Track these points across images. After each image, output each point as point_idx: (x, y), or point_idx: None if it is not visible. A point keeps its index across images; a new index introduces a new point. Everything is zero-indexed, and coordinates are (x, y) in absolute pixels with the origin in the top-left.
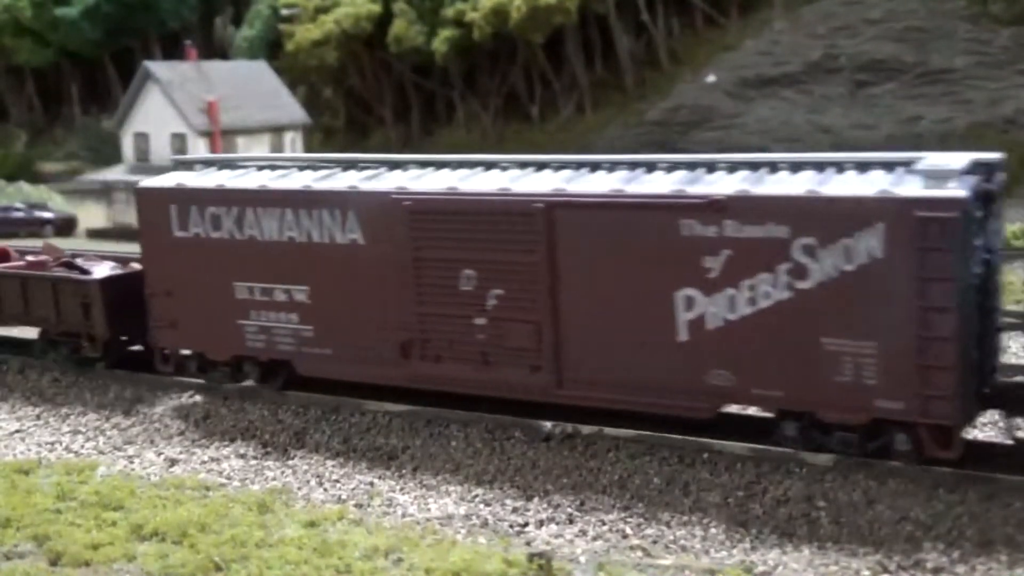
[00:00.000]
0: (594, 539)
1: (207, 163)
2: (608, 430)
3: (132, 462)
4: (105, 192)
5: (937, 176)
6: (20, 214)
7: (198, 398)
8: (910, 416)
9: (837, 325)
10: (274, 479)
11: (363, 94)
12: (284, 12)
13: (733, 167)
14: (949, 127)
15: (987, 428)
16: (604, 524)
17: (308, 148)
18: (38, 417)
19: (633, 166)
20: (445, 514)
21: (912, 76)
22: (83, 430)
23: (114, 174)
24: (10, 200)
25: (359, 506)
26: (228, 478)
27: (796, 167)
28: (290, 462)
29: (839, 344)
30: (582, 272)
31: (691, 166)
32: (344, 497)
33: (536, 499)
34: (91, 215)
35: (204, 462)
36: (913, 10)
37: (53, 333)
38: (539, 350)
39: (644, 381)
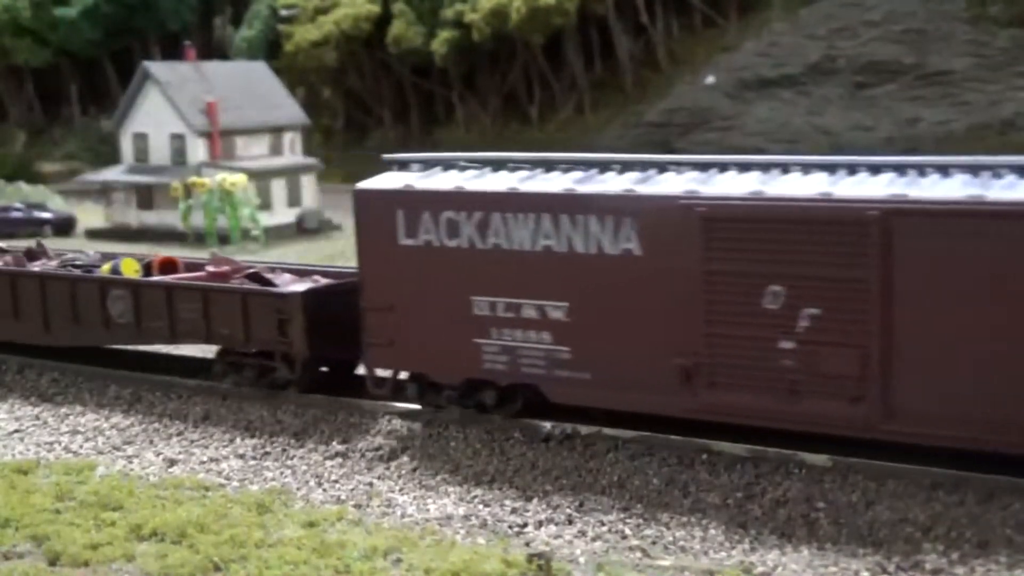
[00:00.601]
0: (593, 540)
1: (425, 163)
2: (607, 430)
3: (131, 462)
4: (104, 192)
5: None
6: (19, 214)
7: (197, 399)
8: None
9: None
10: (273, 479)
11: (362, 95)
12: (283, 13)
13: None
14: (948, 129)
15: None
16: (603, 525)
17: (307, 149)
18: (37, 417)
19: (976, 170)
20: (444, 514)
21: (911, 78)
22: (82, 430)
23: (113, 174)
24: (9, 200)
25: (358, 506)
26: (227, 478)
27: None
28: (289, 462)
29: None
30: (929, 289)
31: None
32: (343, 497)
33: (535, 500)
34: (90, 215)
35: (203, 462)
36: (912, 12)
37: (238, 352)
38: (863, 378)
39: (1013, 417)
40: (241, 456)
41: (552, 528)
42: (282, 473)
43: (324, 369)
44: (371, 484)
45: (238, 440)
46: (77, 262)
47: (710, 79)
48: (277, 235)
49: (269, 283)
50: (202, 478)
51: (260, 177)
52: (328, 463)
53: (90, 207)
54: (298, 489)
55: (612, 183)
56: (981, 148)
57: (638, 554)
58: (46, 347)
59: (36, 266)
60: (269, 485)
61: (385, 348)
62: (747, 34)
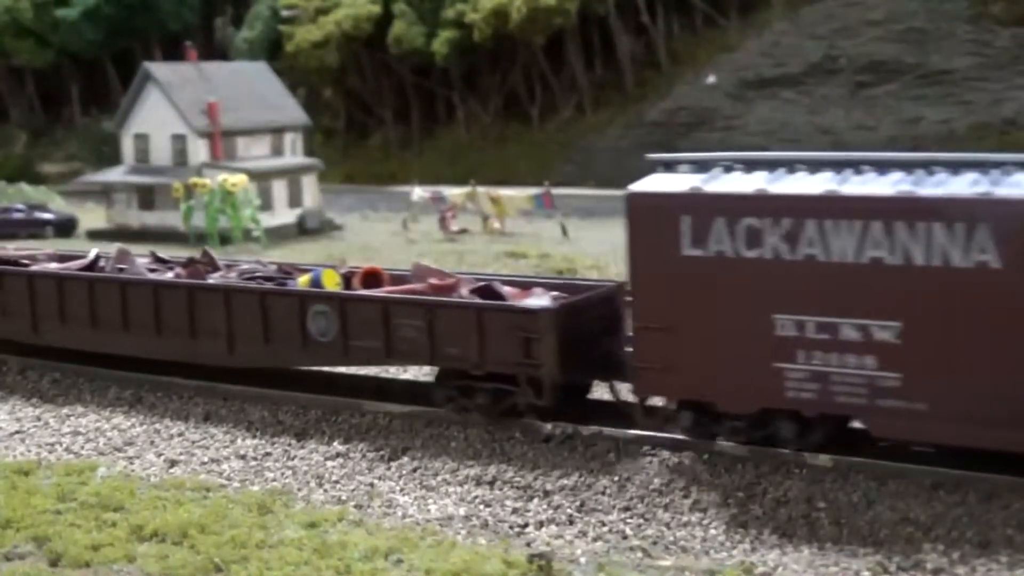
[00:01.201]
0: (594, 540)
1: (696, 163)
2: (608, 431)
3: (132, 463)
4: (105, 193)
5: None
6: (20, 215)
7: (198, 399)
8: None
9: None
10: (274, 480)
11: (363, 95)
12: (284, 13)
13: None
14: (949, 128)
15: None
16: (604, 525)
17: (308, 149)
18: (38, 418)
19: None
20: (445, 515)
21: (912, 77)
22: (83, 431)
23: (114, 175)
24: (10, 201)
25: (359, 507)
26: (228, 479)
27: None
28: (290, 463)
29: None
30: None
31: None
32: (344, 498)
33: (536, 500)
34: (91, 216)
35: (204, 463)
36: (914, 11)
37: (466, 375)
38: None
39: None
40: (242, 457)
41: (553, 528)
42: (283, 474)
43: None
44: (372, 485)
45: (239, 441)
46: (257, 273)
47: (711, 79)
48: (278, 236)
49: (501, 297)
50: (203, 479)
51: (261, 178)
52: (329, 464)
53: (91, 208)
54: (299, 490)
55: (956, 185)
56: (984, 147)
57: (639, 554)
58: (225, 368)
59: (215, 278)
60: (270, 486)
61: (660, 373)
62: (748, 34)
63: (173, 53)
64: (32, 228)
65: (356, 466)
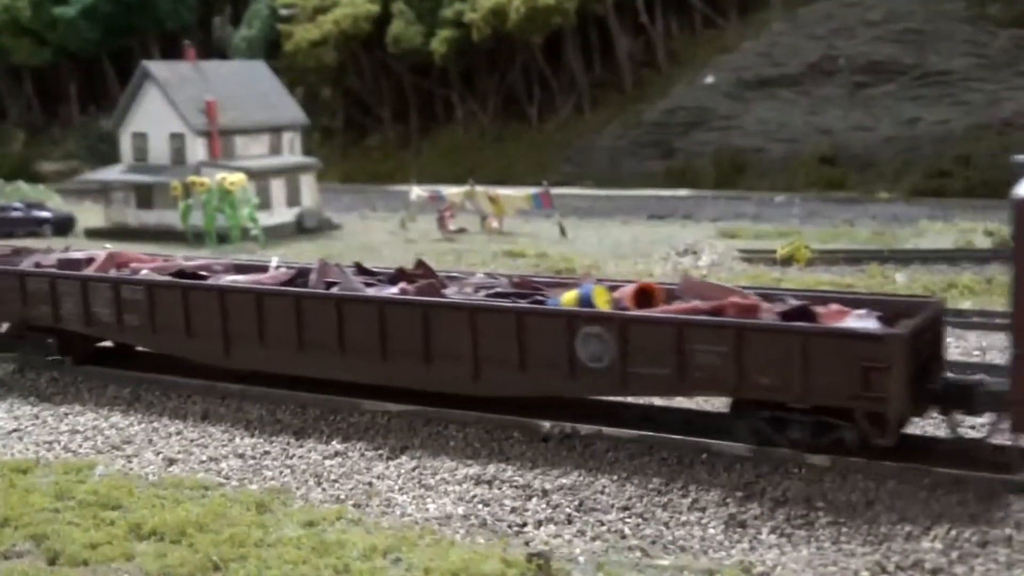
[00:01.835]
0: (593, 539)
1: None
2: (607, 430)
3: (130, 461)
4: (103, 192)
5: None
6: (18, 214)
7: (196, 398)
8: None
9: None
10: (272, 479)
11: (361, 94)
12: (283, 12)
13: None
14: (947, 128)
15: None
16: (603, 524)
17: (306, 149)
18: (36, 416)
19: None
20: (444, 514)
21: (910, 78)
22: (81, 429)
23: (112, 174)
24: (8, 200)
25: (357, 506)
26: (226, 478)
27: None
28: (289, 462)
29: None
30: None
31: None
32: (343, 497)
33: (535, 499)
34: (89, 215)
35: (203, 462)
36: (912, 12)
37: (778, 406)
38: None
39: None
40: (240, 455)
41: (551, 527)
42: (282, 472)
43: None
44: (370, 483)
45: (237, 439)
46: (496, 288)
47: (709, 79)
48: (276, 234)
49: (816, 318)
50: (201, 477)
51: (259, 176)
52: (328, 462)
53: (89, 206)
54: (297, 488)
55: None
56: (980, 148)
57: (637, 553)
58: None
59: (453, 294)
60: (268, 484)
61: None
62: (746, 34)
63: (171, 52)
64: (30, 227)
65: (355, 465)
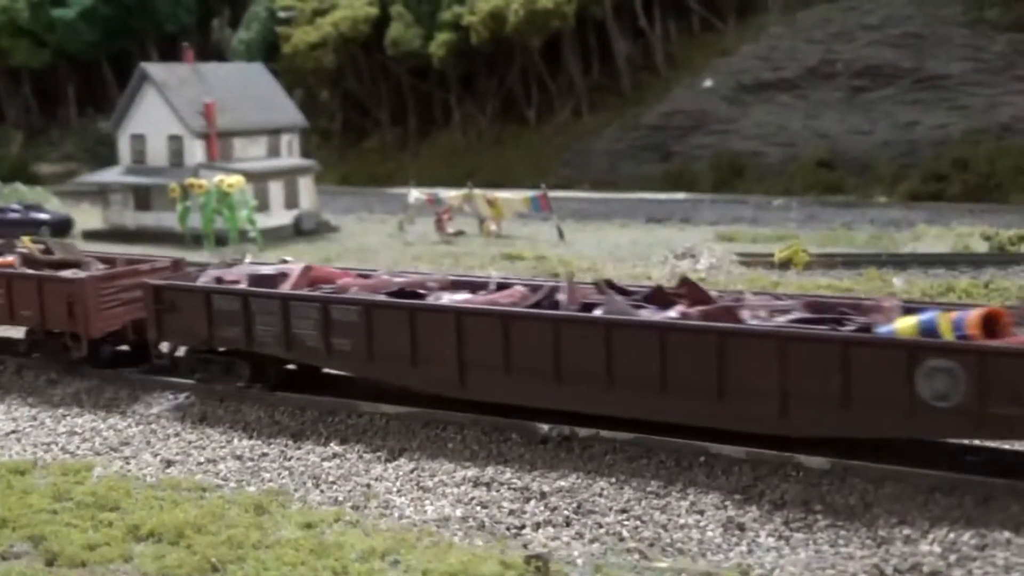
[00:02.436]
0: (591, 541)
1: None
2: (605, 433)
3: (128, 463)
4: (101, 193)
5: None
6: (16, 215)
7: (195, 399)
8: None
9: None
10: (271, 481)
11: (360, 97)
12: (281, 15)
13: None
14: (945, 133)
15: None
16: (601, 527)
17: (305, 151)
18: (34, 418)
19: None
20: (442, 516)
21: (908, 82)
22: (79, 431)
23: (110, 175)
24: (6, 201)
25: (356, 508)
26: (225, 479)
27: None
28: (287, 463)
29: None
30: None
31: None
32: (341, 499)
33: (533, 501)
34: (87, 216)
35: (201, 463)
36: (910, 16)
37: None
38: None
39: None
40: (239, 457)
41: (550, 530)
42: (280, 474)
43: None
44: (369, 485)
45: (236, 441)
46: (793, 313)
47: (708, 82)
48: (274, 237)
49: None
50: (200, 479)
51: (258, 179)
52: (326, 464)
53: (87, 208)
54: (296, 490)
55: None
56: (978, 152)
57: (636, 556)
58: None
59: (750, 318)
60: (267, 486)
61: None
62: (745, 37)
63: (170, 54)
64: (28, 229)
65: (353, 467)
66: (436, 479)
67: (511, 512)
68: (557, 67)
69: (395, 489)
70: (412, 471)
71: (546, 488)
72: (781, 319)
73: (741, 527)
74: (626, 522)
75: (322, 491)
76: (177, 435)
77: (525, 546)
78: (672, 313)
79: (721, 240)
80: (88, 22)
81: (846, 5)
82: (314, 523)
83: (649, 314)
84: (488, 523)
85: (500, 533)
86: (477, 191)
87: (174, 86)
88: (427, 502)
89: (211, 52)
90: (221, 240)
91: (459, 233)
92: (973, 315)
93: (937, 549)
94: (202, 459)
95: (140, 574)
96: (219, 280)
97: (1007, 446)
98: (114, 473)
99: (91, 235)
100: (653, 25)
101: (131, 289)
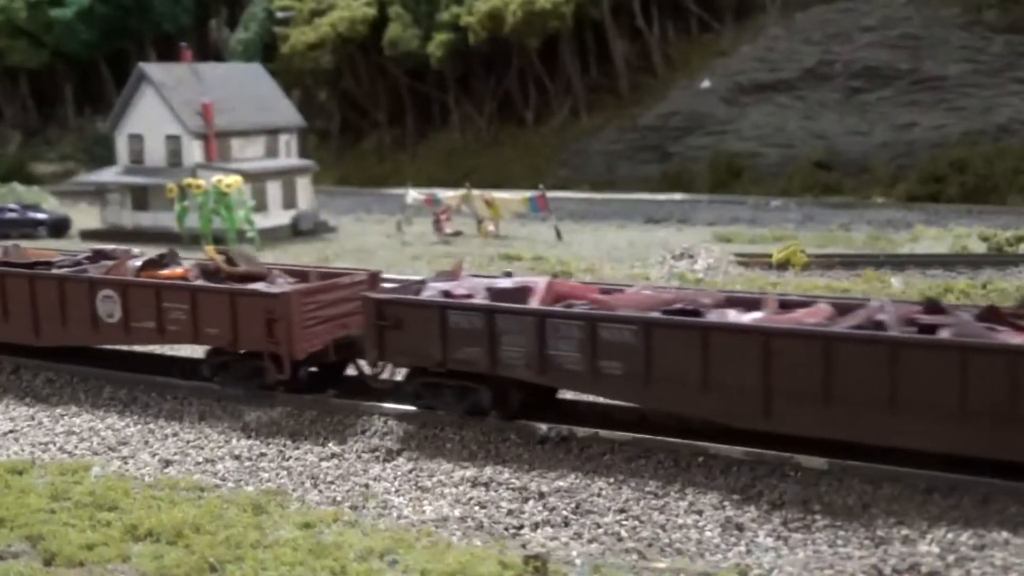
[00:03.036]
0: (589, 542)
1: None
2: (603, 433)
3: (127, 463)
4: (99, 193)
5: None
6: (14, 215)
7: (192, 399)
8: None
9: None
10: (269, 480)
11: (358, 97)
12: (279, 15)
13: None
14: (942, 134)
15: None
16: (599, 527)
17: (303, 151)
18: (32, 417)
19: None
20: (440, 516)
21: (906, 83)
22: (77, 431)
23: (108, 175)
24: (3, 201)
25: (354, 508)
26: (223, 479)
27: None
28: (285, 463)
29: None
30: None
31: None
32: (339, 499)
33: (531, 501)
34: (84, 216)
35: (199, 463)
36: (908, 17)
37: None
38: None
39: None
40: (237, 457)
41: (548, 530)
42: (278, 474)
43: None
44: (367, 485)
45: (234, 441)
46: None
47: (706, 83)
48: (272, 237)
49: None
50: (198, 479)
51: (256, 179)
52: (324, 464)
53: (85, 208)
54: (294, 490)
55: None
56: (976, 153)
57: (634, 556)
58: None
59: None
60: (265, 486)
61: None
62: (743, 39)
63: (167, 54)
64: (25, 228)
65: (351, 467)
66: (434, 479)
67: (509, 512)
68: (555, 68)
69: (393, 489)
70: (410, 471)
71: (544, 488)
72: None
73: (739, 527)
74: (624, 522)
75: (320, 491)
76: (175, 435)
77: (523, 546)
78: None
79: (719, 241)
80: (86, 22)
81: (844, 6)
82: (312, 523)
83: (1008, 337)
84: (486, 523)
85: (498, 533)
86: (475, 191)
87: (172, 86)
88: (425, 502)
89: (209, 52)
90: (219, 240)
91: (457, 233)
92: None
93: (935, 549)
94: (200, 459)
95: (138, 574)
96: (448, 294)
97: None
98: (112, 473)
99: (89, 235)
100: (651, 26)
101: (332, 305)
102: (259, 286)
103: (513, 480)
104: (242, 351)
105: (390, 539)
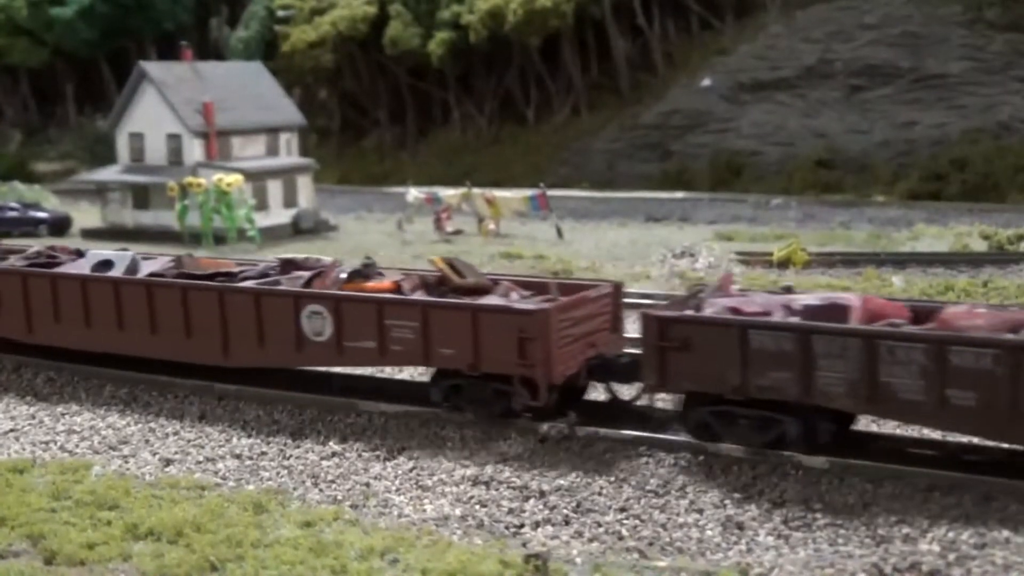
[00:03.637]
0: (590, 540)
1: None
2: (604, 431)
3: (127, 462)
4: (99, 192)
5: None
6: (15, 213)
7: (193, 398)
8: None
9: None
10: (270, 479)
11: (358, 96)
12: (279, 14)
13: None
14: (943, 132)
15: None
16: (600, 526)
17: (303, 150)
18: (32, 416)
19: None
20: (441, 515)
21: (907, 81)
22: (78, 429)
23: (108, 174)
24: (4, 200)
25: (355, 507)
26: (224, 478)
27: None
28: (286, 462)
29: None
30: None
31: None
32: (340, 498)
33: (532, 500)
34: (85, 215)
35: (199, 462)
36: (908, 15)
37: None
38: None
39: None
40: (238, 456)
41: (549, 529)
42: (279, 473)
43: None
44: (368, 484)
45: (235, 440)
46: None
47: (706, 82)
48: (273, 236)
49: None
50: (198, 478)
51: (256, 178)
52: (325, 463)
53: (85, 207)
54: (295, 489)
55: None
56: (976, 152)
57: (635, 555)
58: None
59: None
60: (266, 485)
61: None
62: (743, 37)
63: (168, 52)
64: (26, 227)
65: (352, 466)
66: (435, 478)
67: (510, 511)
68: (556, 66)
69: (394, 488)
70: (411, 470)
71: (545, 487)
72: None
73: (740, 526)
74: (625, 521)
75: (321, 490)
76: (176, 434)
77: (524, 545)
78: None
79: (720, 239)
80: (86, 21)
81: (844, 4)
82: (313, 522)
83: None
84: (487, 522)
85: (499, 532)
86: (476, 190)
87: (172, 85)
88: (426, 501)
89: (209, 51)
90: (219, 239)
91: (457, 232)
92: None
93: (936, 548)
94: (201, 458)
95: (139, 573)
96: (737, 311)
97: (1004, 445)
98: (113, 472)
99: (89, 234)
100: (652, 24)
101: (583, 321)
102: (506, 301)
103: (514, 479)
104: (480, 374)
105: (391, 538)
